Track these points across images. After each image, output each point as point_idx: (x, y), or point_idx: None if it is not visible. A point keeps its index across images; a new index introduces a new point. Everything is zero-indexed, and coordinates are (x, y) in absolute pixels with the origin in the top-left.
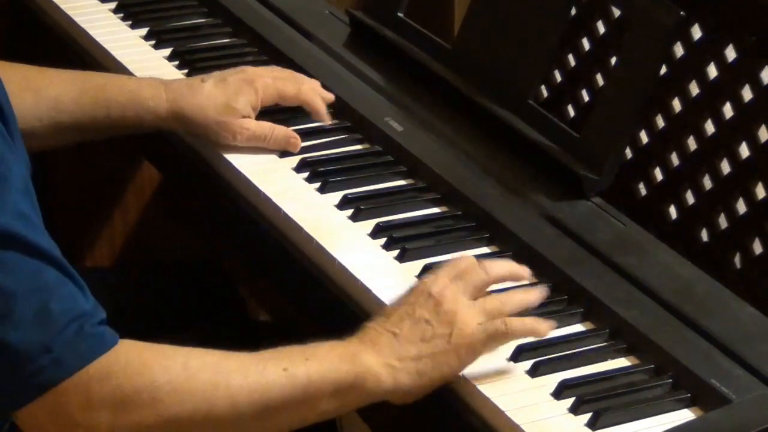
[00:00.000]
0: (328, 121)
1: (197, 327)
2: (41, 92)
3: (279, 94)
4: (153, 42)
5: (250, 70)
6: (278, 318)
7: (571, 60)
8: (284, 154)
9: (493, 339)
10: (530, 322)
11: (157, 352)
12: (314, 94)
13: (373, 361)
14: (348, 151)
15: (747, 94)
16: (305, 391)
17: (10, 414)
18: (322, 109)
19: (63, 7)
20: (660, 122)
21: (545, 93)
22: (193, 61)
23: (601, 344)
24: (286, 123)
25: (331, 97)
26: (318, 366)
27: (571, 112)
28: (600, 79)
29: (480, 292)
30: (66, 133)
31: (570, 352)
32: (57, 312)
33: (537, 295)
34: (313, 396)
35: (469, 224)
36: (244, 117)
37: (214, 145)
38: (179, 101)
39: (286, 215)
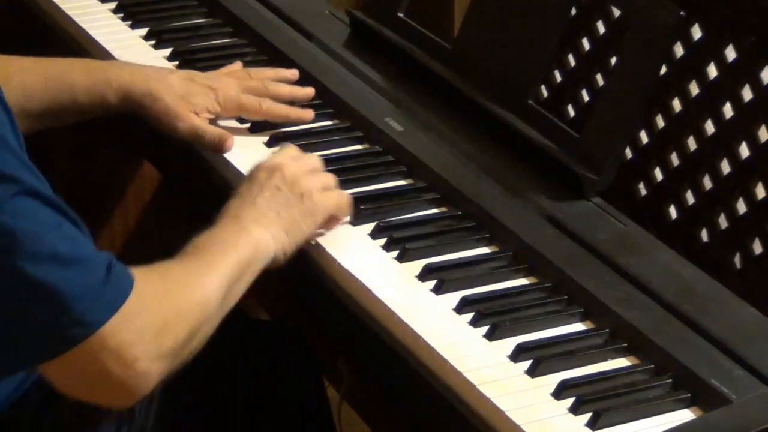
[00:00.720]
0: (308, 117)
1: None
2: (8, 80)
3: (239, 107)
4: (153, 42)
5: (219, 80)
6: (277, 317)
7: (571, 60)
8: None
9: (335, 208)
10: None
11: (162, 275)
12: (275, 109)
13: (256, 230)
14: (348, 151)
15: (747, 94)
16: (239, 268)
17: (48, 361)
18: (291, 114)
19: (63, 7)
20: (660, 122)
21: (545, 93)
22: (193, 61)
23: (601, 344)
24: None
25: (309, 93)
26: (233, 248)
27: (571, 112)
28: (600, 79)
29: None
30: (36, 120)
31: (570, 352)
32: (90, 255)
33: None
34: (243, 270)
35: (469, 224)
36: (194, 113)
37: (160, 130)
38: (142, 83)
39: None
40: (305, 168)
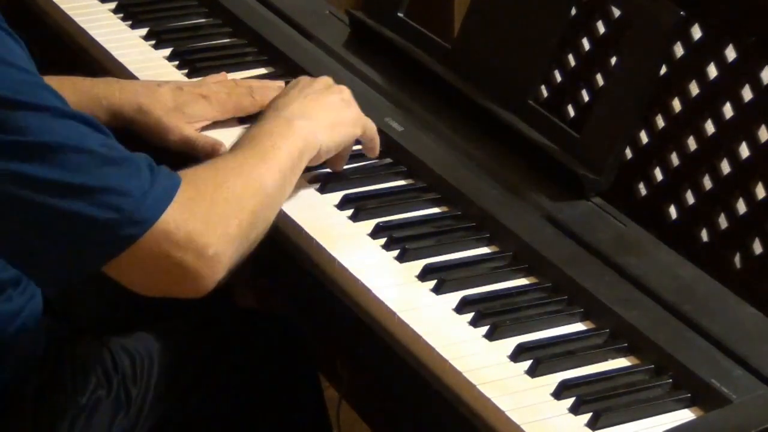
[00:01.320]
0: None
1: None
2: None
3: (235, 107)
4: (153, 42)
5: (207, 86)
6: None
7: (571, 60)
8: None
9: (370, 124)
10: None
11: (207, 169)
12: (268, 96)
13: (303, 123)
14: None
15: (747, 94)
16: (290, 158)
17: (111, 261)
18: None
19: (63, 7)
20: (660, 122)
21: (545, 93)
22: (193, 61)
23: (601, 344)
24: None
25: None
26: (283, 139)
27: (571, 112)
28: (600, 79)
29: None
30: None
31: (570, 352)
32: (129, 156)
33: None
34: (294, 160)
35: (469, 224)
36: (190, 123)
37: (153, 143)
38: (131, 99)
39: (286, 215)
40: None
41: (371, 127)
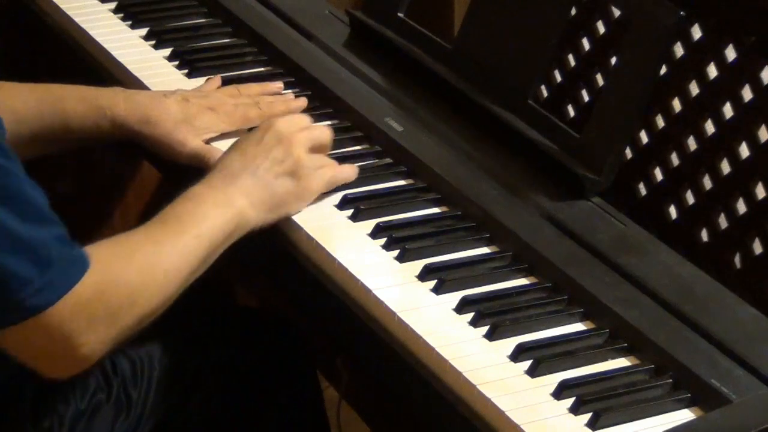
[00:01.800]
0: (303, 104)
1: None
2: (0, 105)
3: (243, 119)
4: (153, 42)
5: (213, 98)
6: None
7: (571, 60)
8: None
9: (326, 187)
10: (350, 169)
11: (120, 258)
12: (274, 106)
13: (243, 203)
14: (348, 151)
15: (747, 94)
16: (211, 246)
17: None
18: (291, 106)
19: (63, 7)
20: (660, 122)
21: (545, 93)
22: (193, 61)
23: (601, 344)
24: None
25: (302, 104)
26: (212, 222)
27: (571, 112)
28: (600, 79)
29: (314, 147)
30: (26, 146)
31: (570, 352)
32: (39, 235)
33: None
34: (216, 247)
35: (469, 224)
36: (198, 136)
37: (159, 155)
38: (136, 111)
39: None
40: (309, 141)
41: (330, 183)
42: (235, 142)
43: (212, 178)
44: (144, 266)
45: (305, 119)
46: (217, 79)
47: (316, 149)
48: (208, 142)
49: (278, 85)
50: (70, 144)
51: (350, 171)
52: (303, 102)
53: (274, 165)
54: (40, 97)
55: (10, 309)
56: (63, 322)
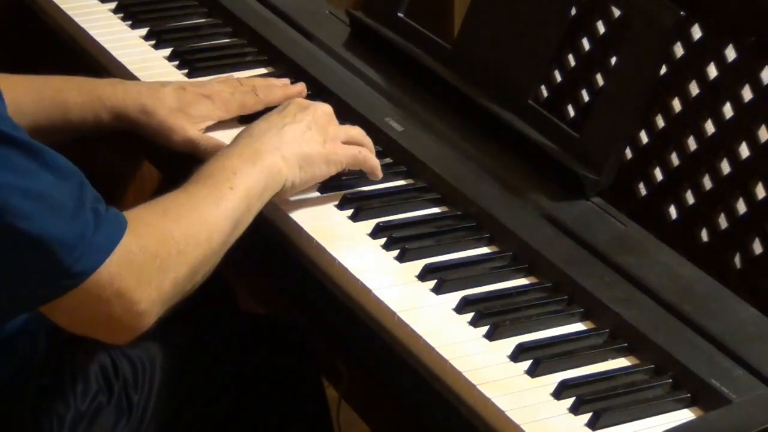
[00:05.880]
0: (302, 90)
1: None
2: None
3: (239, 107)
4: (153, 42)
5: (210, 86)
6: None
7: (571, 60)
8: None
9: (352, 160)
10: (376, 160)
11: (156, 213)
12: (271, 93)
13: (273, 156)
14: None
15: (747, 94)
16: (248, 198)
17: (44, 304)
18: (288, 92)
19: (63, 7)
20: (660, 122)
21: (545, 93)
22: (193, 61)
23: (601, 344)
24: None
25: (300, 89)
26: (245, 176)
27: (571, 112)
28: (600, 79)
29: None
30: None
31: (570, 352)
32: (75, 201)
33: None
34: (253, 200)
35: (469, 224)
36: (194, 124)
37: (157, 144)
38: (134, 100)
39: (286, 215)
40: (331, 115)
41: (355, 157)
42: (276, 109)
43: (238, 142)
44: (183, 218)
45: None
46: (227, 77)
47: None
48: (206, 131)
49: (283, 80)
50: (69, 135)
51: (376, 162)
52: (301, 87)
53: (299, 125)
54: (40, 88)
55: (59, 277)
56: (113, 280)
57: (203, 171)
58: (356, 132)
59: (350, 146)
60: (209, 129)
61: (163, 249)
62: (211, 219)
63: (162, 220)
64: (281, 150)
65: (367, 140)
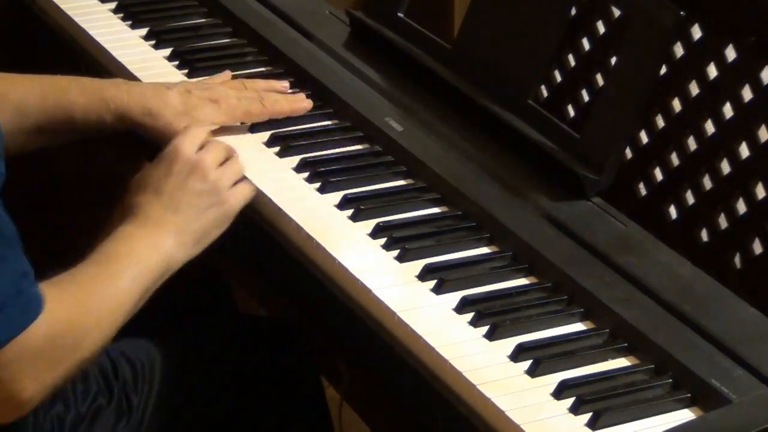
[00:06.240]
0: (308, 106)
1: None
2: (4, 98)
3: (245, 114)
4: (153, 42)
5: (216, 90)
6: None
7: (571, 60)
8: (284, 154)
9: (246, 199)
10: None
11: (71, 300)
12: (278, 104)
13: (171, 244)
14: (348, 151)
15: (747, 94)
16: (144, 288)
17: None
18: (295, 107)
19: (63, 7)
20: (660, 122)
21: (545, 93)
22: (193, 61)
23: (601, 344)
24: (286, 123)
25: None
26: (145, 265)
27: (571, 112)
28: (600, 79)
29: (223, 155)
30: (31, 138)
31: (570, 352)
32: (2, 273)
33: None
34: (148, 289)
35: (469, 224)
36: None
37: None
38: (139, 102)
39: (286, 215)
40: (217, 159)
41: (246, 198)
42: (142, 177)
43: (137, 218)
44: (92, 309)
45: (204, 132)
46: (226, 74)
47: (223, 161)
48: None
49: (284, 84)
50: (72, 135)
51: (240, 172)
52: (308, 104)
53: (194, 198)
54: (44, 88)
55: None
56: (8, 364)
57: (108, 251)
58: (236, 166)
59: (241, 187)
60: (213, 133)
61: (64, 342)
62: (112, 308)
63: (73, 308)
64: (179, 235)
65: (232, 151)
